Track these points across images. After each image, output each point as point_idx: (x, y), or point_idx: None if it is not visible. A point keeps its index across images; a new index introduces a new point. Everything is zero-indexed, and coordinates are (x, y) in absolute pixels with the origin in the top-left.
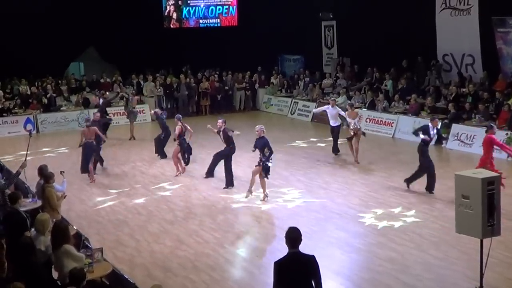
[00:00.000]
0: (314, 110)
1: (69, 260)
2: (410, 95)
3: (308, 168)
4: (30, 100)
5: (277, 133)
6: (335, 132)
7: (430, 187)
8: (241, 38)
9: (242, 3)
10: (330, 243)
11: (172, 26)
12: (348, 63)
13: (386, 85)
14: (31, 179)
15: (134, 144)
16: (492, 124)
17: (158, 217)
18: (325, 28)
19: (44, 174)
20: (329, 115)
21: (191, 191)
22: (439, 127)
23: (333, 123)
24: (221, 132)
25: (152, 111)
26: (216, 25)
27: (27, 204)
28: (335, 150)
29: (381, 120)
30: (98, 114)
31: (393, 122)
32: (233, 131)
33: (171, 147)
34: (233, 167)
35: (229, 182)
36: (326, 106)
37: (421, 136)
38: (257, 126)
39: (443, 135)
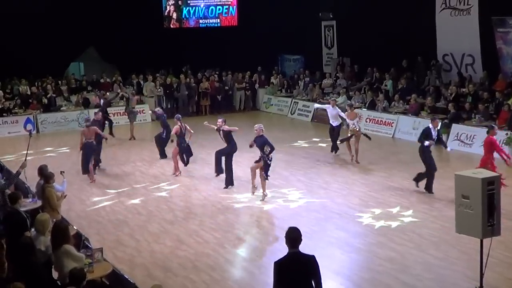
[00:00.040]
0: (316, 105)
1: (69, 260)
2: (410, 95)
3: (308, 168)
4: (30, 100)
5: (277, 133)
6: (335, 132)
7: (429, 187)
8: (241, 38)
9: (242, 3)
10: (330, 243)
11: (172, 26)
12: (348, 63)
13: (386, 85)
14: (31, 179)
15: (134, 144)
16: (493, 125)
17: (158, 217)
18: (325, 28)
19: (44, 174)
20: (329, 115)
21: (191, 191)
22: (439, 127)
23: (333, 122)
24: (220, 131)
25: (152, 111)
26: (216, 25)
27: (27, 204)
28: (334, 148)
29: (381, 120)
30: (100, 114)
31: (393, 122)
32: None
33: (171, 147)
34: (233, 167)
35: (229, 181)
36: (326, 105)
37: (426, 143)
38: (256, 125)
39: (442, 135)
